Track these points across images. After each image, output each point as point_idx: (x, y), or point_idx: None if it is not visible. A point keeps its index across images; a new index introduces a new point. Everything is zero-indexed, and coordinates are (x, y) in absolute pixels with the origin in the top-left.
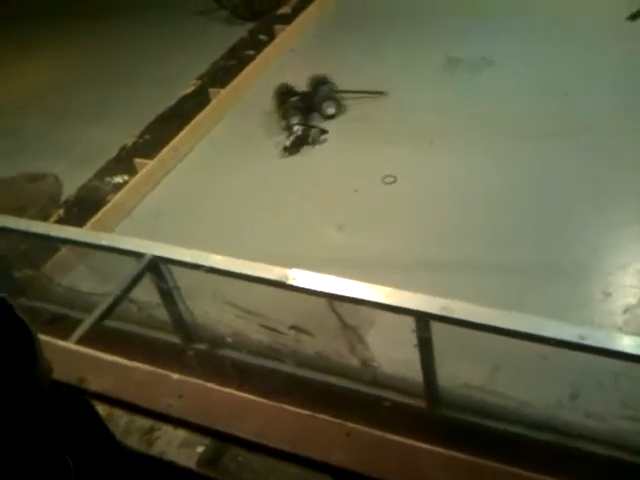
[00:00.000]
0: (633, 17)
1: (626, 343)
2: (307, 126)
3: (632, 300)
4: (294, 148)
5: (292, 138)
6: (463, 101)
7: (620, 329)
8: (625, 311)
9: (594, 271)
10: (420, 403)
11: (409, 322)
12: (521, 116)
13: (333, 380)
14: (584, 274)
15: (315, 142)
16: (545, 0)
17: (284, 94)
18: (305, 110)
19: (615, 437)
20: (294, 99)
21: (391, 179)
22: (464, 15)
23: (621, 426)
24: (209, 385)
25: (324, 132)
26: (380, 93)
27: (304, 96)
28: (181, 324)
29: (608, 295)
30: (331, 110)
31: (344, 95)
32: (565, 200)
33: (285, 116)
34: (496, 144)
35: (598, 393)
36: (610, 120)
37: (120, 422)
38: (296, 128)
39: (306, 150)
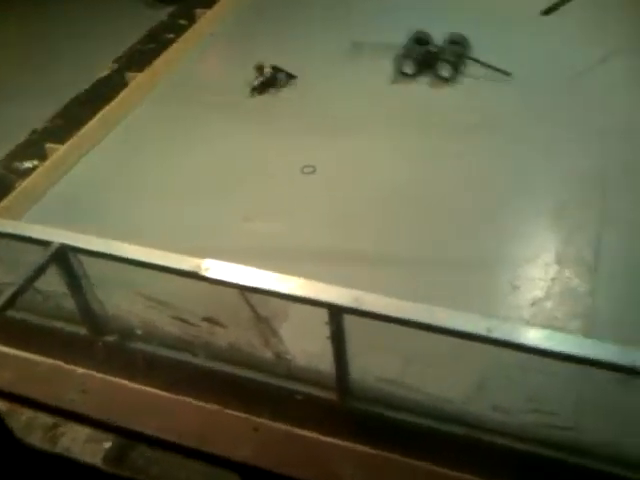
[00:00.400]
0: (547, 12)
1: (532, 336)
2: (277, 70)
3: (539, 293)
4: (262, 89)
5: (261, 79)
6: (381, 91)
7: (527, 322)
8: (532, 304)
9: (502, 264)
10: (332, 396)
11: (323, 314)
12: (437, 107)
13: (245, 373)
14: (492, 267)
15: (283, 85)
16: None
17: (419, 40)
18: (422, 62)
19: (520, 430)
20: (418, 47)
21: (310, 169)
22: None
23: (526, 419)
24: (115, 379)
25: (292, 77)
26: (507, 74)
27: (430, 51)
28: (89, 315)
29: (516, 288)
30: (445, 73)
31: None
32: (475, 193)
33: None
34: (411, 136)
35: (505, 386)
36: (521, 113)
37: (21, 418)
38: (266, 70)
39: (232, 130)
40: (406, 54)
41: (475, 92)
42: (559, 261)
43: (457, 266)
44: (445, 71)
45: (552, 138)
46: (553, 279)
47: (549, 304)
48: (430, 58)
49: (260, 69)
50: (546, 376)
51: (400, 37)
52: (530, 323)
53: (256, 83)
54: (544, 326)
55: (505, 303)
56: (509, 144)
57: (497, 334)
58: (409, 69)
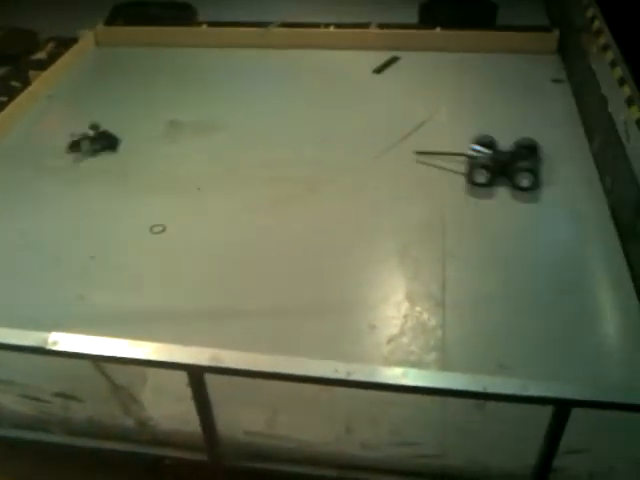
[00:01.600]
0: (379, 70)
1: (387, 375)
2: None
3: (395, 330)
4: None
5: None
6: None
7: (386, 359)
8: (389, 341)
9: (359, 307)
10: (201, 456)
11: (183, 375)
12: (283, 165)
13: (108, 445)
14: (350, 310)
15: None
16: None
17: (482, 144)
18: (495, 170)
19: (390, 463)
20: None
21: (160, 228)
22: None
23: (394, 452)
24: None
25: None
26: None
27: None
28: None
29: (373, 328)
30: (526, 182)
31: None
32: (328, 243)
33: (469, 170)
34: (262, 191)
35: (370, 424)
36: (365, 165)
37: None
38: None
39: (57, 206)
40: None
41: (323, 151)
42: (409, 298)
43: (317, 313)
44: (525, 181)
45: (391, 191)
46: (405, 316)
47: (405, 339)
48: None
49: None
50: (409, 409)
51: None
52: (388, 360)
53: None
54: (401, 362)
55: (365, 343)
56: (350, 198)
57: (356, 376)
58: None
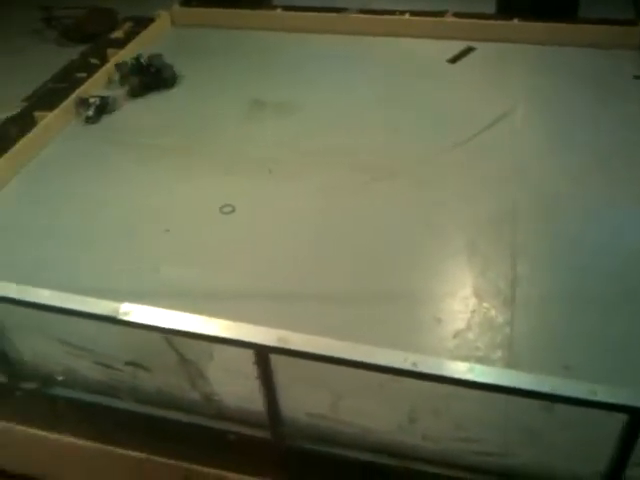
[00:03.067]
0: (453, 60)
1: (454, 368)
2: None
3: (461, 325)
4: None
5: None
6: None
7: (451, 353)
8: (455, 336)
9: (425, 299)
10: (265, 434)
11: (250, 354)
12: (353, 152)
13: (174, 416)
14: (416, 302)
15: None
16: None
17: None
18: None
19: (451, 457)
20: None
21: (229, 209)
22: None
23: (455, 447)
24: (34, 431)
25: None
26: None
27: None
28: (6, 362)
29: (439, 321)
30: None
31: None
32: (397, 232)
33: None
34: (331, 178)
35: (433, 416)
36: (437, 156)
37: None
38: (92, 100)
39: (129, 181)
40: None
41: (395, 139)
42: (477, 294)
43: (383, 303)
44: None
45: (462, 184)
46: (473, 311)
47: (471, 335)
48: None
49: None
50: (473, 404)
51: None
52: (454, 355)
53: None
54: (467, 357)
55: (430, 336)
56: (420, 190)
57: (421, 368)
58: None
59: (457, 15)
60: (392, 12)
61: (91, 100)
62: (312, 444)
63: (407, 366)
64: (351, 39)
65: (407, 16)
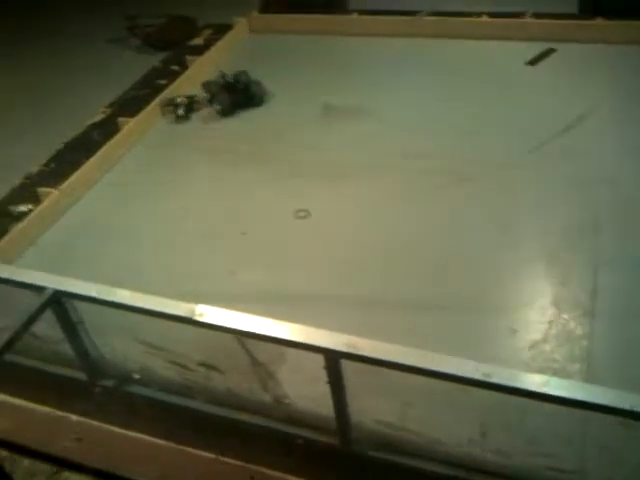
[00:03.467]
0: (532, 62)
1: (529, 381)
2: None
3: (537, 336)
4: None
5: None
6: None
7: (527, 365)
8: (531, 347)
9: (500, 308)
10: (332, 440)
11: (320, 358)
12: (426, 157)
13: (243, 418)
14: (491, 311)
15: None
16: (444, 50)
17: None
18: None
19: (523, 473)
20: None
21: (304, 213)
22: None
23: (528, 462)
24: (110, 427)
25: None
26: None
27: None
28: (86, 360)
29: (514, 332)
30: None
31: None
32: (472, 239)
33: None
34: (406, 183)
35: (506, 430)
36: (515, 160)
37: (23, 464)
38: (180, 99)
39: (207, 184)
40: None
41: (471, 143)
42: (555, 304)
43: (455, 310)
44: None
45: (541, 189)
46: (550, 322)
47: (547, 347)
48: None
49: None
50: (547, 419)
51: None
52: (529, 366)
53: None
54: (542, 369)
55: (505, 346)
56: (497, 193)
57: (495, 379)
58: None
59: (537, 16)
60: (468, 14)
61: (178, 100)
62: (379, 451)
63: (479, 376)
64: (426, 42)
65: (484, 18)
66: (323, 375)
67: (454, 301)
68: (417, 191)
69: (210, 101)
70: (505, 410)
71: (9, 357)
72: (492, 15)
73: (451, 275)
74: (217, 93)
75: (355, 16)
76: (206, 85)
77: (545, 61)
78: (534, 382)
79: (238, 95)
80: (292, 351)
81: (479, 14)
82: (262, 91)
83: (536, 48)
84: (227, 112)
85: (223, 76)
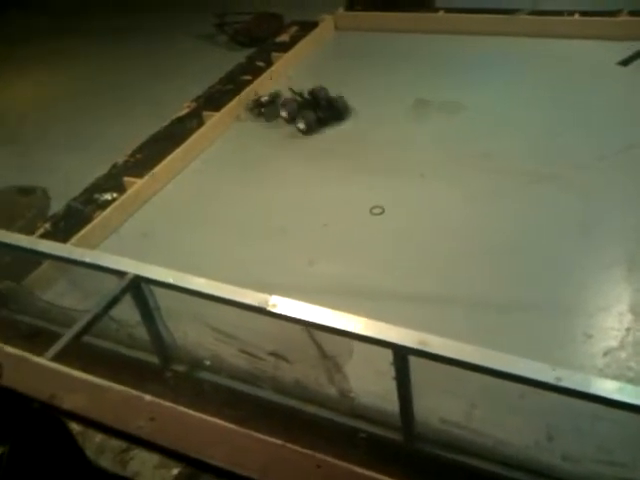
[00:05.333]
0: (625, 62)
1: (602, 387)
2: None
3: (613, 343)
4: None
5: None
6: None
7: (600, 371)
8: (606, 354)
9: (576, 312)
10: (396, 436)
11: (388, 354)
12: (508, 156)
13: (309, 409)
14: (566, 315)
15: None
16: (532, 49)
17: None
18: None
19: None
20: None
21: (379, 210)
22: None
23: (597, 470)
24: (182, 409)
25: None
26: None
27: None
28: (160, 345)
29: (589, 337)
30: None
31: None
32: (550, 240)
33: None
34: (485, 182)
35: (575, 435)
36: (599, 162)
37: (94, 440)
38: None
39: (288, 178)
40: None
41: (555, 143)
42: (634, 311)
43: (529, 313)
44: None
45: (625, 193)
46: (628, 329)
47: (623, 354)
48: None
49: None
50: (620, 427)
51: None
52: (603, 373)
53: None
54: (616, 377)
55: (578, 351)
56: (579, 194)
57: (567, 384)
58: None
59: (633, 13)
60: (560, 13)
61: (263, 98)
62: (443, 450)
63: (551, 380)
64: (516, 41)
65: (576, 16)
66: (389, 371)
67: (528, 302)
68: (496, 191)
69: (290, 120)
70: (575, 415)
71: (88, 338)
72: (584, 13)
73: (527, 276)
74: (299, 111)
75: (441, 14)
76: (285, 104)
77: (638, 61)
78: (607, 388)
79: (323, 112)
80: (360, 346)
81: (571, 12)
82: (346, 106)
83: (630, 48)
84: (313, 130)
85: (301, 93)
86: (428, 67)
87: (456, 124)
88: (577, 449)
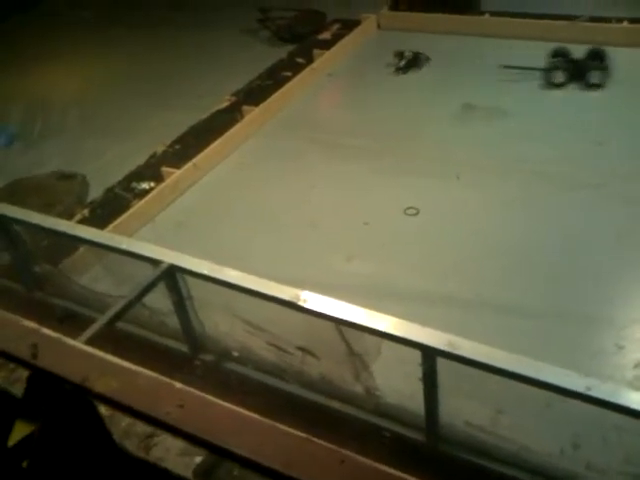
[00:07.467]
0: None
1: (632, 398)
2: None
3: None
4: (406, 69)
5: (404, 61)
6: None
7: (630, 383)
8: (636, 365)
9: (608, 323)
10: (420, 437)
11: (416, 355)
12: (548, 163)
13: (334, 405)
14: (598, 325)
15: (422, 65)
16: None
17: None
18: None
19: None
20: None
21: (413, 211)
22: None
23: None
24: (210, 398)
25: (428, 59)
26: None
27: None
28: (190, 334)
29: (621, 348)
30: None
31: None
32: (585, 249)
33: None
34: (521, 188)
35: (601, 446)
36: (633, 172)
37: (121, 424)
38: (407, 54)
39: (324, 174)
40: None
41: (598, 152)
42: None
43: (561, 321)
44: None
45: None
46: None
47: None
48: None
49: (400, 54)
50: None
51: None
52: (632, 385)
53: (402, 64)
54: None
55: (609, 362)
56: (618, 204)
57: (596, 393)
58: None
59: None
60: (608, 20)
61: (406, 53)
62: (466, 454)
63: (580, 389)
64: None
65: (625, 24)
66: (417, 371)
67: (560, 310)
68: (533, 197)
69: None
70: (602, 425)
71: (121, 324)
72: (633, 21)
73: (562, 283)
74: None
75: (487, 17)
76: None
77: None
78: (637, 400)
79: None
80: (388, 345)
81: (620, 20)
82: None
83: None
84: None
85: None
86: (473, 70)
87: (500, 129)
88: (603, 460)
